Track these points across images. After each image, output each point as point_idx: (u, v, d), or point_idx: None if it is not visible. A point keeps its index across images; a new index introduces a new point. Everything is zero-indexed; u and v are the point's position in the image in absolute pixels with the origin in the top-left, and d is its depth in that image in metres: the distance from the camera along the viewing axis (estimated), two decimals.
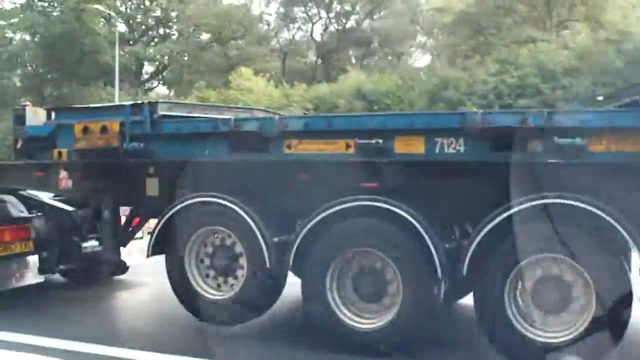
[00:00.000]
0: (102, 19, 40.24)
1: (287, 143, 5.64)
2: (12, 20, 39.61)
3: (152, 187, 6.48)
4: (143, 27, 43.82)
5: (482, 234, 4.91)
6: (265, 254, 5.61)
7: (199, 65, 41.32)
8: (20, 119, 6.83)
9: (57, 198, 7.86)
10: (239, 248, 5.90)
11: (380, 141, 5.26)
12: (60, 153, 6.50)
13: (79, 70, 38.73)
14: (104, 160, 6.32)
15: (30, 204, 7.58)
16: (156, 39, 43.73)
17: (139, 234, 8.19)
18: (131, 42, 41.69)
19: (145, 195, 6.50)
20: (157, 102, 6.13)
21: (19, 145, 6.82)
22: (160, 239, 6.06)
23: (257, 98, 28.43)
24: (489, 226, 4.92)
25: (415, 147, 5.28)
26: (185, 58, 43.06)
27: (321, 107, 26.36)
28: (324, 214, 5.39)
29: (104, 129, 6.23)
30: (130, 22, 43.32)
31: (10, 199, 7.55)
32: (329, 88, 29.03)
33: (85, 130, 6.31)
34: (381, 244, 5.29)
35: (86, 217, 7.59)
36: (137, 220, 7.17)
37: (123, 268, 7.02)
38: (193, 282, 6.01)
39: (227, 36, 41.29)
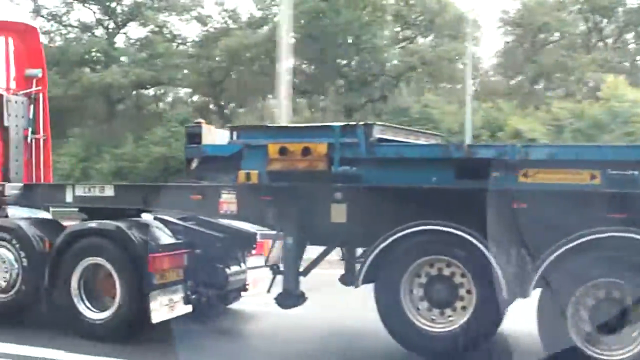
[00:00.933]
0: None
1: (524, 172, 5.84)
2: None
3: (339, 213, 6.52)
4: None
5: None
6: (503, 284, 5.76)
7: None
8: (194, 137, 6.74)
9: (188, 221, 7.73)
10: (459, 279, 6.03)
11: (636, 172, 5.55)
12: (248, 175, 6.43)
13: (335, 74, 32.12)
14: (305, 183, 6.32)
15: (173, 228, 7.46)
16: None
17: (260, 262, 8.20)
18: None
19: (330, 222, 6.54)
20: (373, 124, 6.21)
21: (193, 166, 6.71)
22: (374, 268, 6.12)
23: None
24: None
25: None
26: None
27: None
28: (572, 244, 5.59)
29: (306, 151, 6.24)
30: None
31: (154, 222, 7.40)
32: None
33: (283, 151, 6.30)
34: (631, 275, 5.56)
35: (232, 242, 7.56)
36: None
37: (303, 300, 6.95)
38: (410, 315, 6.07)
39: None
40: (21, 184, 8.36)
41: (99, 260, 7.02)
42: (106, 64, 33.97)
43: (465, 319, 5.96)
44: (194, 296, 7.22)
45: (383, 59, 31.66)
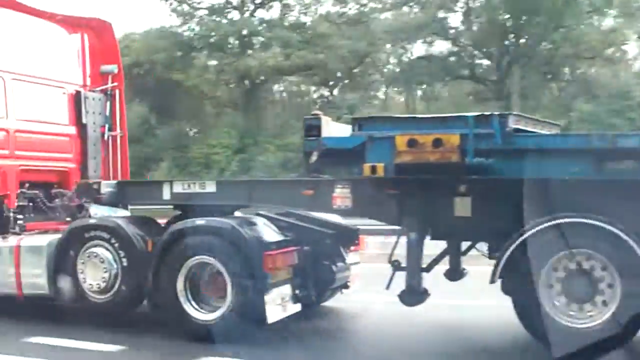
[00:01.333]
0: None
1: None
2: None
3: (463, 207, 6.41)
4: None
5: None
6: None
7: None
8: (313, 129, 6.60)
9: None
10: (600, 272, 5.90)
11: None
12: (373, 168, 6.30)
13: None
14: (437, 176, 6.19)
15: (279, 225, 7.32)
16: None
17: (355, 259, 8.08)
18: None
19: (453, 216, 6.44)
20: (508, 114, 6.09)
21: (313, 159, 6.56)
22: (511, 262, 5.99)
23: None
24: None
25: None
26: None
27: None
28: None
29: (437, 142, 6.11)
30: None
31: (261, 219, 7.26)
32: None
33: (412, 143, 6.17)
34: None
35: (337, 238, 7.44)
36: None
37: (426, 296, 6.82)
38: (548, 310, 5.95)
39: None
40: (115, 182, 8.22)
41: (208, 259, 6.86)
42: (251, 47, 31.91)
43: (606, 314, 5.83)
44: (301, 295, 7.11)
45: (578, 38, 28.71)
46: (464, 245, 7.19)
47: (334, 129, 6.84)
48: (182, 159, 28.93)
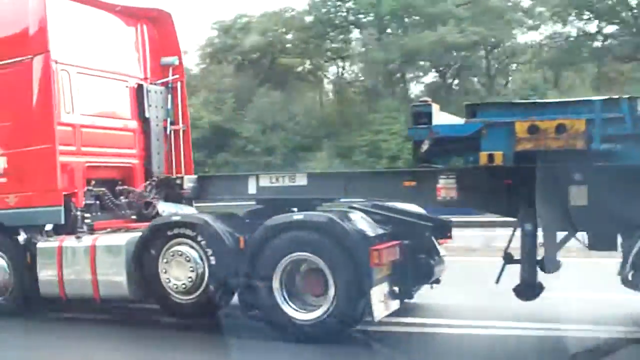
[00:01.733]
0: None
1: None
2: None
3: (579, 196, 6.14)
4: None
5: None
6: None
7: None
8: (422, 117, 6.27)
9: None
10: None
11: None
12: (491, 156, 5.99)
13: None
14: (561, 164, 5.91)
15: (375, 218, 7.00)
16: None
17: (442, 252, 7.77)
18: None
19: (569, 206, 6.16)
20: (638, 98, 5.81)
21: (424, 148, 6.23)
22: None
23: None
24: None
25: None
26: None
27: None
28: None
29: (561, 128, 5.82)
30: None
31: (358, 212, 6.94)
32: None
33: (533, 129, 5.88)
34: None
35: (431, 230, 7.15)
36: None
37: (541, 290, 6.51)
38: None
39: None
40: (196, 176, 7.87)
41: (307, 255, 6.53)
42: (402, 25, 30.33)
43: None
44: (400, 290, 6.81)
45: None
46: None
47: (442, 118, 6.52)
48: (337, 148, 26.77)
